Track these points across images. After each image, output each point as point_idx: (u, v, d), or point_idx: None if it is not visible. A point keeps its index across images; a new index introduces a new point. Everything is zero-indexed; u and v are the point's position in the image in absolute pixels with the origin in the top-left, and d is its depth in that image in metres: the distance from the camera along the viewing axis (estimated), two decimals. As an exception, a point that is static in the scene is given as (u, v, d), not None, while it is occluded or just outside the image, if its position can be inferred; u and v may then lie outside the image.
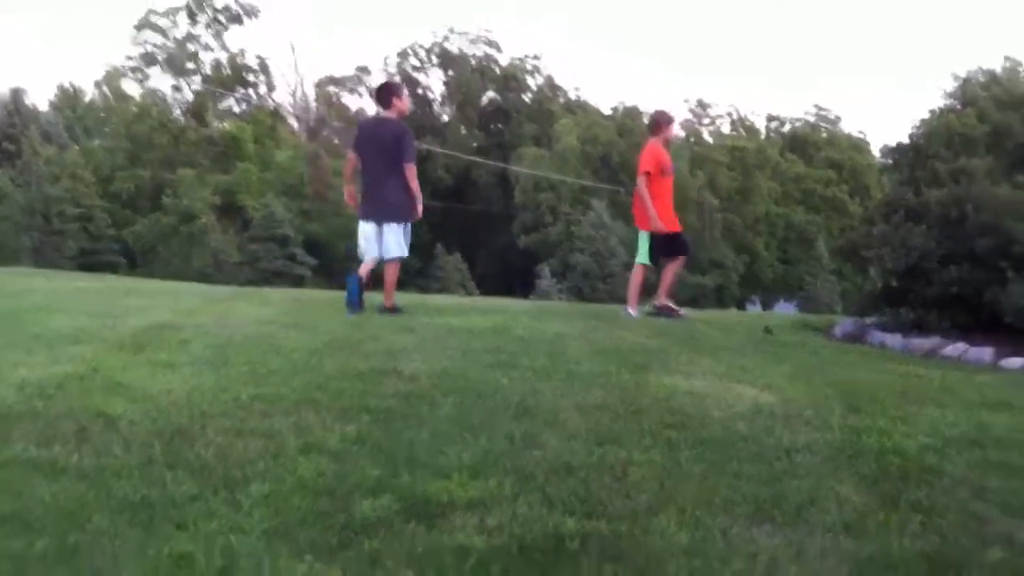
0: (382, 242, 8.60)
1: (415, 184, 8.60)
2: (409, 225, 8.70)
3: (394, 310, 8.47)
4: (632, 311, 9.31)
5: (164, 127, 43.96)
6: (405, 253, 8.72)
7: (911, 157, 45.64)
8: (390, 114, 8.80)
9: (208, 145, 43.99)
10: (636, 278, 9.66)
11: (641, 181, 9.26)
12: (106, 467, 3.16)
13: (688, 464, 3.48)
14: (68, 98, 64.27)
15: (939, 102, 56.95)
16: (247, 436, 3.59)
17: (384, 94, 9.06)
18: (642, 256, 9.48)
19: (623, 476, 3.30)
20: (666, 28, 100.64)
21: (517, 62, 61.02)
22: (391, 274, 8.67)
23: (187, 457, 3.30)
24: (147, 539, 2.57)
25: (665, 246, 9.45)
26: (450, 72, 60.28)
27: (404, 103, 9.16)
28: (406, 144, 8.59)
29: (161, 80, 49.44)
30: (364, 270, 8.60)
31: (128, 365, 4.96)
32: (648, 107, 67.01)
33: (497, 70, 60.78)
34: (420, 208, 8.68)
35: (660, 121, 9.79)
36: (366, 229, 8.70)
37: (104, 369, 4.80)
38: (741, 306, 50.44)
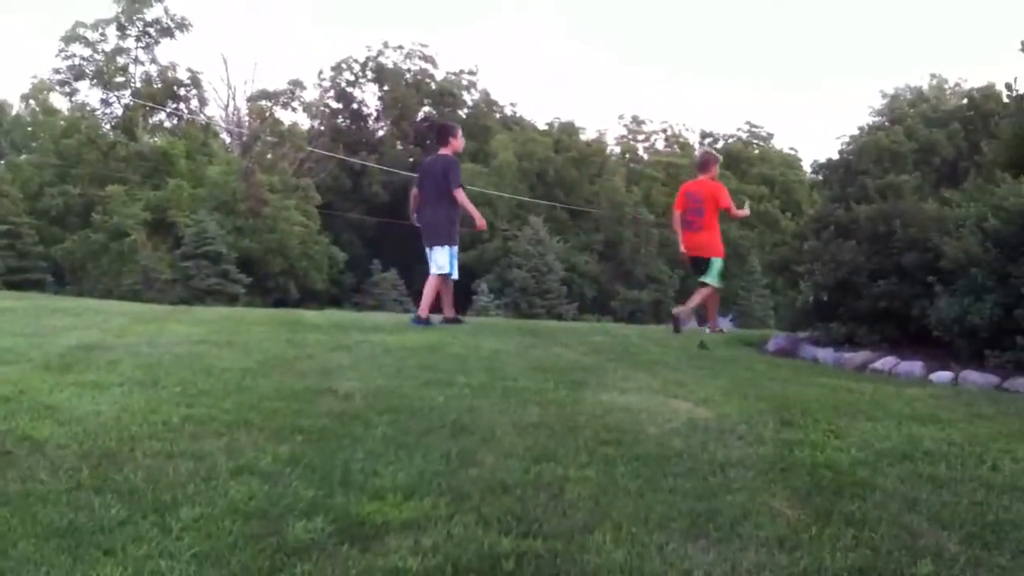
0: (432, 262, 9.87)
1: (467, 203, 9.96)
2: (454, 248, 9.99)
3: (454, 320, 9.98)
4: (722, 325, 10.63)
5: (93, 142, 43.09)
6: (451, 272, 9.97)
7: (841, 173, 46.55)
8: (446, 151, 10.10)
9: (139, 160, 43.14)
10: (716, 300, 10.97)
11: (731, 213, 10.72)
12: (32, 492, 3.09)
13: (624, 480, 3.48)
14: (-7, 112, 62.88)
15: (868, 119, 58.33)
16: (177, 458, 3.53)
17: (443, 134, 10.45)
18: (718, 279, 10.68)
19: (559, 494, 3.29)
20: (601, 46, 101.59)
21: (453, 77, 61.07)
22: (443, 288, 10.01)
23: (116, 481, 3.23)
24: (74, 565, 2.51)
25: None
26: (385, 87, 60.08)
27: (459, 141, 10.27)
28: (452, 173, 9.80)
29: (90, 94, 48.71)
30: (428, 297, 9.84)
31: (55, 387, 4.86)
32: (583, 123, 67.81)
33: (433, 85, 60.75)
34: (481, 222, 10.25)
35: (711, 160, 10.94)
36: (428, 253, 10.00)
37: (30, 391, 4.69)
38: (677, 321, 50.79)
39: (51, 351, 6.28)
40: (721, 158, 11.31)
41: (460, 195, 9.87)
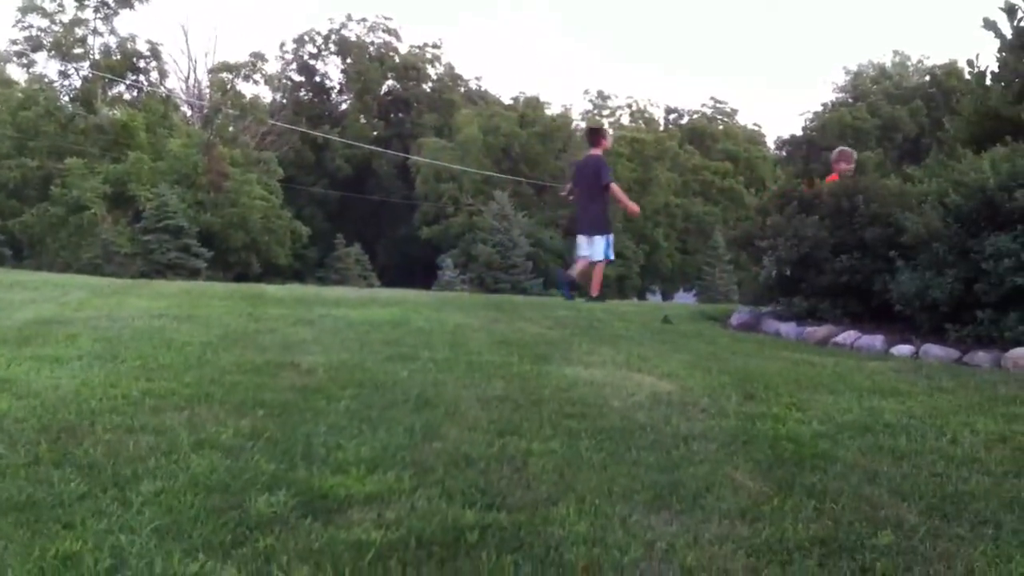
0: (591, 249, 11.37)
1: (620, 195, 11.83)
2: (610, 236, 11.50)
3: (599, 298, 11.28)
4: None
5: (51, 115, 42.32)
6: (610, 257, 11.58)
7: (804, 149, 46.82)
8: (596, 151, 11.54)
9: (98, 133, 42.42)
10: None
11: None
12: (-11, 467, 3.04)
13: (588, 453, 3.49)
14: (-51, 84, 61.65)
15: (831, 95, 58.67)
16: (137, 433, 3.49)
17: (593, 136, 12.04)
18: None
19: (523, 467, 3.29)
20: (566, 21, 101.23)
21: (417, 51, 60.66)
22: (597, 272, 11.46)
23: (75, 455, 3.19)
24: (33, 540, 2.47)
25: None
26: (348, 60, 59.57)
27: (607, 142, 12.09)
28: (603, 172, 11.35)
29: (48, 66, 47.84)
30: (577, 268, 11.62)
31: (12, 360, 4.79)
32: (549, 98, 67.55)
33: (396, 58, 60.31)
34: (634, 208, 12.90)
35: (841, 158, 11.10)
36: (579, 240, 11.61)
37: (-14, 365, 4.63)
38: (642, 296, 51.07)
39: (8, 325, 6.20)
40: (856, 154, 11.43)
41: (615, 188, 11.52)
